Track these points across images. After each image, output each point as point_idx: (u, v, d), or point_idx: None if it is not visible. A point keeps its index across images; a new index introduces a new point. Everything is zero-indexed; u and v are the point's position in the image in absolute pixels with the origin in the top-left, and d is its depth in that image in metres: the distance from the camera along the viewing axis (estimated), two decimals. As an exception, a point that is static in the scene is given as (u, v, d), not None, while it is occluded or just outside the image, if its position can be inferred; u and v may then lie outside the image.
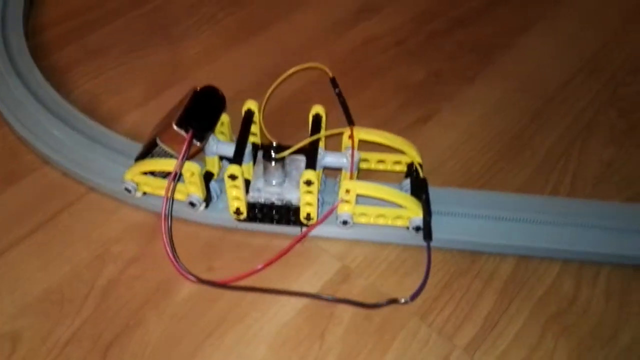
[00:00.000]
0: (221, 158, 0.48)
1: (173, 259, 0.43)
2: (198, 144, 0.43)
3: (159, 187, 0.46)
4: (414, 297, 0.43)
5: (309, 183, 0.41)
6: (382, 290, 0.44)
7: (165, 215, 0.42)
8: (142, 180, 0.46)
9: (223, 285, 0.43)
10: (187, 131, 0.42)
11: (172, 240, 0.43)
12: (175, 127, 0.42)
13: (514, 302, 0.43)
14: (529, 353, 0.40)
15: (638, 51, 0.64)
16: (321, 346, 0.41)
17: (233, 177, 0.42)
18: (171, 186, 0.42)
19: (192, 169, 0.43)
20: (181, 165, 0.42)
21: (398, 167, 0.48)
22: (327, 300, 0.43)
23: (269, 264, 0.44)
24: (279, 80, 0.47)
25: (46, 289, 0.43)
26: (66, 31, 0.65)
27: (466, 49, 0.64)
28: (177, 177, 0.42)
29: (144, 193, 0.47)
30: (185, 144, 0.42)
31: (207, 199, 0.46)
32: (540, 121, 0.56)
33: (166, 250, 0.42)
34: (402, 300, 0.42)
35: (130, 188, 0.46)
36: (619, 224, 0.46)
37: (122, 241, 0.46)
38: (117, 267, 0.45)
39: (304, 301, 0.43)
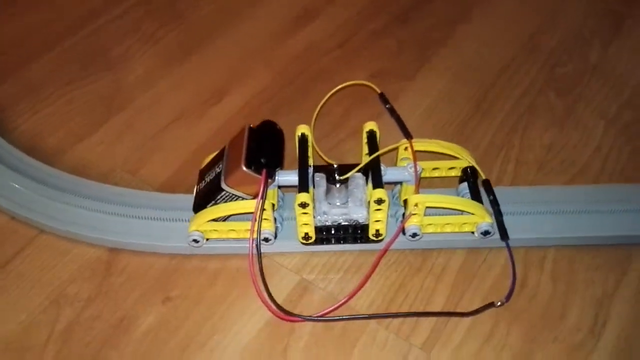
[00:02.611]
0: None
1: (270, 303, 0.42)
2: (269, 181, 0.43)
3: (230, 230, 0.45)
4: (508, 297, 0.43)
5: (380, 202, 0.42)
6: (340, 298, 0.44)
7: (252, 256, 0.42)
8: (209, 227, 0.45)
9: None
10: (258, 172, 0.42)
11: (266, 282, 0.43)
12: (244, 169, 0.42)
13: (466, 294, 0.44)
14: (483, 343, 0.42)
15: (573, 29, 0.66)
16: (284, 363, 0.42)
17: (304, 205, 0.42)
18: (256, 227, 0.42)
19: (264, 206, 0.43)
20: (262, 206, 0.42)
21: (453, 172, 0.49)
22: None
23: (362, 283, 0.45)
24: (323, 100, 0.49)
25: (3, 339, 0.43)
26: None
27: (406, 45, 0.65)
28: (261, 218, 0.42)
29: (207, 239, 0.46)
30: (262, 184, 0.42)
31: (275, 231, 0.46)
32: (481, 110, 0.57)
33: (260, 296, 0.43)
34: (498, 303, 0.43)
35: (198, 238, 0.45)
36: (560, 208, 0.47)
37: (76, 281, 0.46)
38: (75, 309, 0.45)
39: (264, 319, 0.44)
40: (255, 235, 0.42)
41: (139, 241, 0.47)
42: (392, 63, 0.63)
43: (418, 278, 0.46)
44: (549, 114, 0.57)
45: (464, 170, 0.48)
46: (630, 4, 0.68)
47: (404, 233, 0.45)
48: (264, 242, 0.45)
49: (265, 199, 0.42)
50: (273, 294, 0.43)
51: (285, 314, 0.43)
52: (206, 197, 0.45)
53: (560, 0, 0.69)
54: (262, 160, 0.43)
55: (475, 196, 0.46)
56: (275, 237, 0.46)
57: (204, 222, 0.45)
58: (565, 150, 0.54)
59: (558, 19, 0.67)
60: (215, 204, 0.45)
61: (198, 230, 0.45)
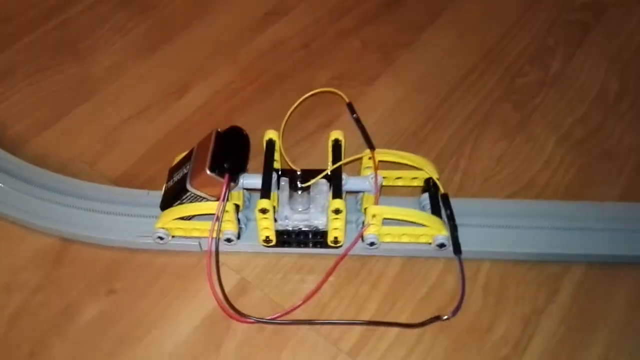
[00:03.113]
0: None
1: (222, 300, 0.44)
2: (232, 184, 0.45)
3: (195, 229, 0.47)
4: (455, 312, 0.45)
5: (337, 212, 0.44)
6: (277, 300, 0.46)
7: (210, 254, 0.44)
8: (174, 225, 0.47)
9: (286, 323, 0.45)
10: (222, 175, 0.44)
11: (221, 279, 0.44)
12: (208, 172, 0.43)
13: (398, 302, 0.46)
14: (408, 352, 0.44)
15: (538, 38, 0.66)
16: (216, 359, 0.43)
17: (264, 211, 0.44)
18: (216, 227, 0.44)
19: (227, 208, 0.45)
20: (224, 208, 0.44)
21: (415, 182, 0.50)
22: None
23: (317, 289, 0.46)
24: (293, 106, 0.49)
25: (-48, 324, 0.45)
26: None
27: (370, 48, 0.65)
28: (221, 219, 0.44)
29: (173, 237, 0.48)
30: (224, 188, 0.43)
31: (239, 231, 0.48)
32: (435, 119, 0.58)
33: (213, 292, 0.44)
34: (445, 317, 0.45)
35: (162, 235, 0.47)
36: (498, 222, 0.48)
37: (28, 269, 0.48)
38: (23, 295, 0.47)
39: (202, 316, 0.45)
40: (214, 235, 0.44)
41: (90, 233, 0.49)
42: (355, 66, 0.63)
43: (354, 284, 0.47)
44: (503, 126, 0.58)
45: (426, 181, 0.49)
46: (598, 15, 0.68)
47: (363, 241, 0.47)
48: (226, 243, 0.47)
49: (227, 201, 0.44)
50: (210, 294, 0.45)
51: (238, 314, 0.44)
52: (173, 196, 0.47)
53: (527, 8, 0.69)
54: (226, 165, 0.44)
55: (436, 208, 0.48)
56: (239, 237, 0.48)
57: (169, 221, 0.46)
58: (514, 163, 0.55)
59: (524, 27, 0.67)
60: (181, 203, 0.46)
61: (164, 228, 0.47)
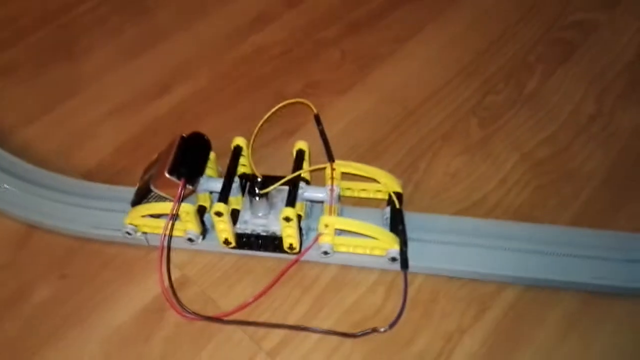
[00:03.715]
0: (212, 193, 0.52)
1: (169, 293, 0.47)
2: (190, 187, 0.48)
3: (158, 227, 0.49)
4: (392, 325, 0.45)
5: (287, 219, 0.46)
6: (213, 296, 0.48)
7: (162, 248, 0.47)
8: (142, 222, 0.50)
9: (217, 320, 0.47)
10: (179, 178, 0.47)
11: (170, 274, 0.47)
12: (167, 175, 0.47)
13: (325, 309, 0.47)
14: (326, 358, 0.44)
15: (519, 55, 0.65)
16: (144, 348, 0.46)
17: (219, 214, 0.46)
18: (169, 225, 0.47)
19: (186, 209, 0.47)
20: (177, 209, 0.47)
21: (380, 195, 0.51)
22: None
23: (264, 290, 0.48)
24: (266, 116, 0.50)
25: None
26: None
27: (348, 59, 0.66)
28: (175, 218, 0.47)
29: (144, 233, 0.51)
30: (179, 190, 0.46)
31: (204, 232, 0.50)
32: (398, 132, 0.59)
33: (162, 284, 0.47)
34: (382, 329, 0.45)
35: (130, 231, 0.50)
36: (438, 238, 0.49)
37: (-7, 249, 0.52)
38: (-16, 274, 0.51)
39: (140, 306, 0.48)
40: (167, 232, 0.47)
41: (51, 221, 0.52)
42: (330, 76, 0.64)
43: (287, 287, 0.48)
44: (464, 142, 0.57)
45: (390, 194, 0.50)
46: (587, 34, 0.67)
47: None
48: (188, 242, 0.50)
49: (180, 202, 0.46)
50: (154, 285, 0.48)
51: (182, 309, 0.46)
52: (140, 194, 0.50)
53: (515, 23, 0.69)
54: (183, 169, 0.47)
55: (395, 221, 0.48)
56: (204, 237, 0.50)
57: (136, 217, 0.49)
58: (468, 180, 0.54)
59: (508, 43, 0.67)
60: (147, 202, 0.50)
61: (132, 224, 0.50)
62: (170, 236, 0.47)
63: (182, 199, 0.47)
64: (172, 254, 0.50)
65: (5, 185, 0.55)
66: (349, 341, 0.45)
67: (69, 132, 0.61)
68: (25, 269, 0.51)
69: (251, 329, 0.46)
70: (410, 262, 0.47)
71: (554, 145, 0.57)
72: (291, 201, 0.47)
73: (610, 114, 0.59)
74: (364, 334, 0.45)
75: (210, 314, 0.47)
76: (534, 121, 0.59)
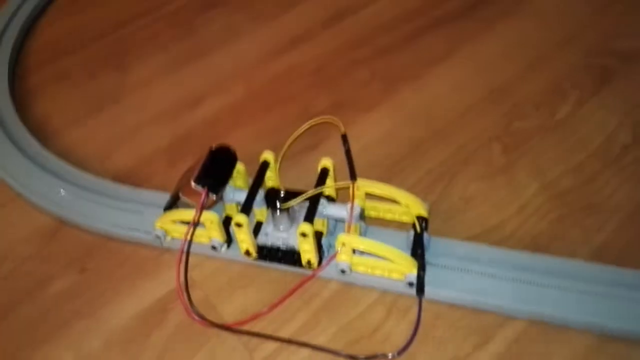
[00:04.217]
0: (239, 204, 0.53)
1: (184, 298, 0.48)
2: (214, 197, 0.50)
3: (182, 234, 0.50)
4: (400, 352, 0.44)
5: (303, 235, 0.46)
6: (213, 301, 0.49)
7: (182, 254, 0.48)
8: (171, 227, 0.52)
9: (227, 328, 0.47)
10: (203, 187, 0.49)
11: (187, 278, 0.48)
12: (193, 183, 0.49)
13: (321, 324, 0.47)
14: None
15: (553, 81, 0.63)
16: (144, 346, 0.47)
17: (238, 225, 0.48)
18: (190, 231, 0.49)
19: (210, 218, 0.49)
20: (199, 216, 0.49)
21: (405, 218, 0.50)
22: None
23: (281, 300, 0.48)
24: (296, 133, 0.51)
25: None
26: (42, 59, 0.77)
27: (377, 78, 0.67)
28: (196, 225, 0.49)
29: (172, 238, 0.53)
30: (202, 198, 0.49)
31: (229, 241, 0.52)
32: (418, 153, 0.58)
33: (178, 288, 0.48)
34: (390, 355, 0.44)
35: (160, 235, 0.52)
36: (443, 262, 0.47)
37: (25, 241, 0.56)
38: (15, 263, 0.54)
39: (147, 304, 0.50)
40: (188, 238, 0.48)
41: (78, 218, 0.56)
42: (356, 94, 0.65)
43: (288, 300, 0.49)
44: (484, 167, 0.56)
45: (416, 217, 0.49)
46: (629, 61, 0.63)
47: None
48: (212, 250, 0.51)
49: (203, 209, 0.48)
50: (158, 287, 0.50)
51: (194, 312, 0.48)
52: (172, 200, 0.53)
53: (550, 50, 0.66)
54: (206, 179, 0.49)
55: (417, 246, 0.47)
56: (229, 246, 0.52)
57: (166, 222, 0.52)
58: (484, 206, 0.53)
59: (541, 69, 0.64)
60: (178, 208, 0.52)
61: (162, 228, 0.52)
62: (190, 241, 0.49)
63: (204, 207, 0.48)
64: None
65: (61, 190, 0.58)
66: (340, 358, 0.45)
67: (108, 137, 0.65)
68: (51, 261, 0.54)
69: (245, 337, 0.47)
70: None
71: (580, 175, 0.54)
72: (309, 217, 0.47)
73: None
74: (371, 358, 0.44)
75: (209, 318, 0.48)
76: (562, 150, 0.56)
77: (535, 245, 0.49)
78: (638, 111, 0.59)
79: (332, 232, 0.51)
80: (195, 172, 0.49)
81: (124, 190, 0.58)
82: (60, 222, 0.57)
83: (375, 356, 0.44)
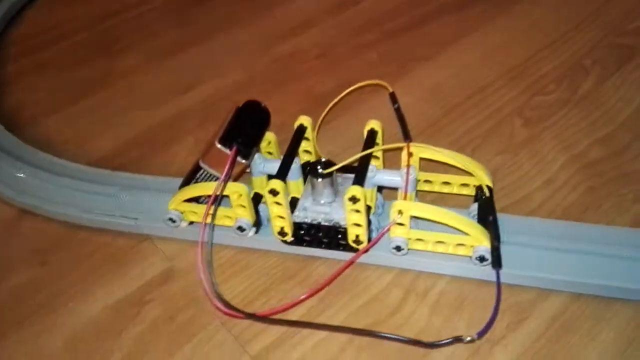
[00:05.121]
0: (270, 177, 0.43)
1: (210, 293, 0.38)
2: (243, 161, 0.41)
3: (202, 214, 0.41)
4: (481, 334, 0.36)
5: (354, 200, 0.37)
6: (199, 291, 0.41)
7: (202, 243, 0.38)
8: (187, 208, 0.43)
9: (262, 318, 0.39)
10: (230, 148, 0.40)
11: (213, 271, 0.40)
12: (218, 145, 0.40)
13: (329, 310, 0.40)
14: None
15: (573, 58, 0.58)
16: (114, 343, 0.40)
17: (274, 192, 0.38)
18: (210, 210, 0.39)
19: (239, 190, 0.39)
20: (224, 186, 0.39)
21: (465, 191, 0.42)
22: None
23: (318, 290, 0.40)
24: (337, 98, 0.45)
25: None
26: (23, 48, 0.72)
27: (386, 61, 0.62)
28: (219, 200, 0.39)
29: (191, 222, 0.44)
30: (229, 161, 0.39)
31: (257, 223, 0.43)
32: (434, 129, 0.52)
33: (204, 283, 0.38)
34: (468, 339, 0.36)
35: (174, 218, 0.43)
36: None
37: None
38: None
39: (118, 297, 0.42)
40: (208, 220, 0.39)
41: (44, 206, 0.48)
42: (366, 76, 0.57)
43: (287, 285, 0.41)
44: (506, 141, 0.50)
45: (478, 188, 0.42)
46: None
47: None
48: (238, 231, 0.42)
49: (231, 178, 0.39)
50: (135, 278, 0.43)
51: (230, 308, 0.39)
52: (189, 175, 0.43)
53: (570, 29, 0.62)
54: (235, 138, 0.40)
55: (484, 217, 0.40)
56: (257, 230, 0.43)
57: (180, 202, 0.43)
58: (509, 178, 0.47)
59: (560, 47, 0.60)
60: (196, 182, 0.43)
61: (177, 210, 0.43)
62: (213, 225, 0.39)
63: (231, 174, 0.39)
64: (163, 244, 0.45)
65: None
66: (351, 349, 0.37)
67: (90, 122, 0.59)
68: (9, 253, 0.47)
69: (237, 330, 0.39)
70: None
71: (610, 146, 0.49)
72: (359, 179, 0.39)
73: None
74: (446, 344, 0.36)
75: (193, 310, 0.41)
76: (587, 122, 0.51)
77: (568, 217, 0.43)
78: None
79: (381, 212, 0.43)
80: (220, 132, 0.40)
81: (98, 173, 0.51)
82: (21, 212, 0.50)
83: (448, 342, 0.36)
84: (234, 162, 0.39)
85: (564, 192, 0.45)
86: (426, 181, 0.43)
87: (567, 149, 0.49)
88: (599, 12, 0.64)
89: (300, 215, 0.41)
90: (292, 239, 0.41)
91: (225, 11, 0.73)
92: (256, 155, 0.42)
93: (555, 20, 0.64)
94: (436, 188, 0.43)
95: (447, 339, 0.36)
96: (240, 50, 0.67)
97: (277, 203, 0.39)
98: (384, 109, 0.49)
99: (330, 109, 0.45)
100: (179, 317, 0.40)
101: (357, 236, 0.40)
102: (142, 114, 0.59)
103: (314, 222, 0.40)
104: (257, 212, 0.42)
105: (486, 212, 0.39)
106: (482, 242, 0.38)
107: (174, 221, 0.43)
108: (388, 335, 0.37)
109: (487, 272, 0.38)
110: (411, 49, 0.63)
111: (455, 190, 0.43)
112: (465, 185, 0.42)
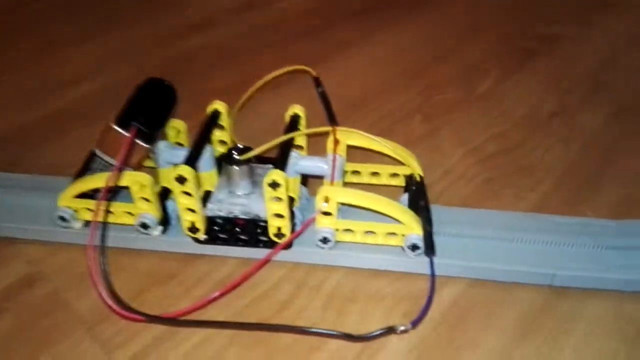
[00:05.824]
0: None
1: (108, 299, 0.33)
2: (145, 145, 0.35)
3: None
4: (415, 323, 0.33)
5: (274, 185, 0.33)
6: (66, 297, 0.36)
7: (94, 246, 0.32)
8: (81, 205, 0.37)
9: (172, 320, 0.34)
10: (128, 130, 0.34)
11: (108, 278, 0.33)
12: (114, 127, 0.34)
13: (212, 309, 0.35)
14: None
15: (474, 61, 0.59)
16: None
17: (181, 179, 0.33)
18: (101, 206, 0.33)
19: (141, 179, 0.34)
20: (118, 175, 0.33)
21: (395, 181, 0.40)
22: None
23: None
24: (258, 84, 0.40)
25: None
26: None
27: (287, 61, 0.59)
28: (112, 192, 0.34)
29: (87, 222, 0.38)
30: (126, 144, 0.34)
31: (165, 221, 0.37)
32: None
33: (98, 291, 0.32)
34: (401, 328, 0.33)
35: (65, 216, 0.37)
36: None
37: None
38: None
39: None
40: (99, 218, 0.33)
41: None
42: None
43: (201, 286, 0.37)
44: (406, 136, 0.49)
45: (408, 178, 0.39)
46: (550, 42, 0.61)
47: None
48: (141, 229, 0.37)
49: (129, 166, 0.34)
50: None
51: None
52: (84, 166, 0.37)
53: (470, 34, 0.64)
54: (135, 118, 0.34)
55: (415, 206, 0.37)
56: (165, 230, 0.37)
57: (70, 197, 0.36)
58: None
59: (461, 50, 0.61)
60: (91, 174, 0.36)
61: (68, 207, 0.37)
62: (104, 222, 0.33)
63: (131, 161, 0.34)
64: (28, 247, 0.39)
65: None
66: (220, 339, 0.33)
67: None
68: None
69: (106, 335, 0.34)
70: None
71: (506, 141, 0.49)
72: (280, 165, 0.35)
73: (570, 114, 0.51)
74: (379, 335, 0.33)
75: (60, 317, 0.35)
76: (485, 120, 0.51)
77: (467, 205, 0.42)
78: (563, 84, 0.55)
79: (305, 206, 0.39)
80: (118, 113, 0.35)
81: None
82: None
83: (381, 333, 0.33)
84: (132, 146, 0.34)
85: (463, 183, 0.44)
86: (354, 172, 0.41)
87: (464, 143, 0.48)
88: (499, 20, 0.66)
89: (213, 208, 0.36)
90: (205, 236, 0.37)
91: (121, 7, 0.70)
92: (162, 143, 0.37)
93: (457, 25, 0.66)
94: (365, 179, 0.41)
95: (382, 330, 0.33)
96: (134, 48, 0.63)
97: (186, 193, 0.34)
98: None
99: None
100: (44, 322, 0.35)
101: (279, 229, 0.36)
102: (16, 113, 0.53)
103: (230, 215, 0.36)
104: (164, 209, 0.37)
105: (418, 199, 0.37)
106: (414, 230, 0.35)
107: (65, 220, 0.37)
108: (311, 329, 0.33)
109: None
110: (312, 52, 0.62)
111: (384, 180, 0.41)
112: (395, 175, 0.40)
